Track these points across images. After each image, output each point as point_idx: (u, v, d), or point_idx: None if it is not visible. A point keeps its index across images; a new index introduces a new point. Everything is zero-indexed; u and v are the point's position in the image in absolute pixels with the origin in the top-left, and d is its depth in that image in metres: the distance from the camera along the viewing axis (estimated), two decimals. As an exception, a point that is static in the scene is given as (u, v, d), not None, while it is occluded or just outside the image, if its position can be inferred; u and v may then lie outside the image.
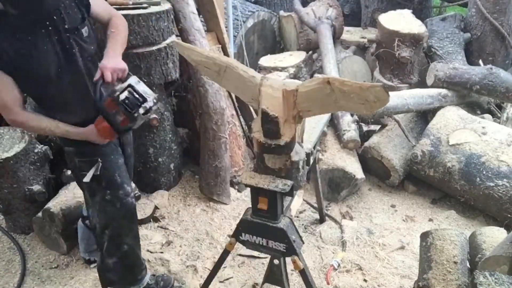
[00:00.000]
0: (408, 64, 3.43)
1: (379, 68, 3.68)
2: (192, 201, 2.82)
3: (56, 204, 2.32)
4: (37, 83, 1.62)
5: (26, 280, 2.27)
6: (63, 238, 2.35)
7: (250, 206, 1.68)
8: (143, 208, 2.63)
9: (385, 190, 3.06)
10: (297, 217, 2.77)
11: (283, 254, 1.69)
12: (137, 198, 2.62)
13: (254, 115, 3.11)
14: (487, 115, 3.26)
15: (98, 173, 1.80)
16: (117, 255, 1.95)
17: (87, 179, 1.79)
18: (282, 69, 3.62)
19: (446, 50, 3.50)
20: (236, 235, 1.73)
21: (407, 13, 3.51)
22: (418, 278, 1.81)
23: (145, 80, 2.46)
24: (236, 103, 3.06)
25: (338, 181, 2.85)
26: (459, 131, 2.83)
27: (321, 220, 2.71)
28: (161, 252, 2.41)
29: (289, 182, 1.56)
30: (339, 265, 2.35)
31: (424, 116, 3.26)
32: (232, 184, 2.92)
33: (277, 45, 4.49)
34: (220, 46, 2.96)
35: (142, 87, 1.69)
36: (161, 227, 2.60)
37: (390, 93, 1.31)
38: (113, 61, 1.68)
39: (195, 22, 2.66)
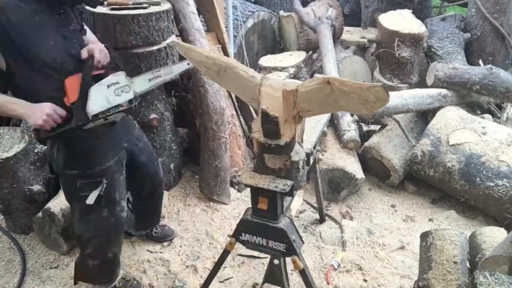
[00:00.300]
0: (408, 64, 3.43)
1: (379, 68, 3.68)
2: (192, 201, 2.82)
3: (56, 204, 2.32)
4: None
5: (26, 280, 2.27)
6: (63, 238, 2.35)
7: (250, 206, 1.68)
8: (143, 208, 2.63)
9: (385, 190, 3.06)
10: (297, 217, 2.77)
11: (283, 254, 1.69)
12: (137, 198, 2.62)
13: (254, 115, 3.11)
14: (487, 115, 3.26)
15: (102, 193, 1.79)
16: (100, 259, 1.97)
17: (90, 201, 1.76)
18: (282, 69, 3.62)
19: (446, 50, 3.50)
20: (236, 235, 1.73)
21: (407, 13, 3.51)
22: (418, 278, 1.81)
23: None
24: (236, 103, 3.06)
25: (338, 181, 2.85)
26: (459, 131, 2.83)
27: (321, 220, 2.71)
28: (161, 252, 2.42)
29: (289, 182, 1.56)
30: (339, 265, 2.35)
31: (424, 116, 3.26)
32: (232, 184, 2.92)
33: (277, 45, 4.49)
34: (220, 46, 2.96)
35: (116, 100, 1.71)
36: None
37: (390, 93, 1.31)
38: (99, 45, 1.77)
39: (195, 22, 2.66)
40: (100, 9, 2.38)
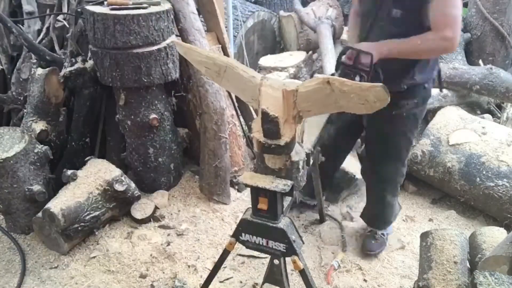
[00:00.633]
0: (408, 64, 3.42)
1: (379, 68, 3.67)
2: (192, 201, 2.82)
3: (56, 204, 2.32)
4: None
5: (26, 280, 2.27)
6: (63, 238, 2.35)
7: (250, 206, 1.68)
8: (143, 208, 2.63)
9: (385, 190, 3.06)
10: (298, 217, 2.77)
11: (283, 254, 1.69)
12: (137, 198, 2.63)
13: (254, 115, 3.11)
14: (487, 115, 3.26)
15: None
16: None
17: None
18: (282, 69, 3.62)
19: (446, 50, 3.49)
20: (236, 235, 1.73)
21: (407, 13, 3.50)
22: (418, 278, 1.81)
23: (145, 80, 2.48)
24: (236, 103, 3.06)
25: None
26: (459, 131, 2.83)
27: (321, 220, 2.71)
28: (161, 252, 2.41)
29: (289, 182, 1.56)
30: (339, 265, 2.35)
31: (424, 116, 3.25)
32: (232, 184, 2.91)
33: (277, 45, 4.49)
34: (220, 46, 2.96)
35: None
36: (161, 227, 2.60)
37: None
38: (365, 45, 1.84)
39: (195, 22, 2.66)
40: (100, 9, 2.38)
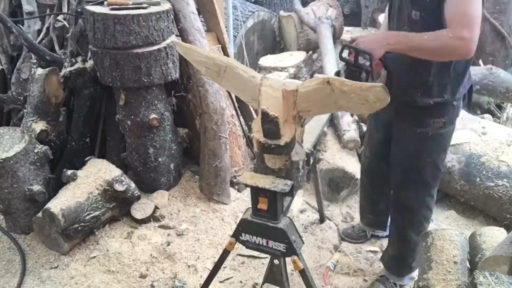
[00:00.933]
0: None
1: (379, 68, 3.67)
2: (192, 201, 2.82)
3: (56, 204, 2.32)
4: None
5: (26, 280, 2.27)
6: (63, 238, 2.35)
7: (250, 206, 1.68)
8: (143, 208, 2.63)
9: (385, 190, 3.06)
10: (297, 217, 2.77)
11: (283, 254, 1.69)
12: (137, 198, 2.62)
13: (254, 115, 3.11)
14: (487, 115, 3.26)
15: None
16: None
17: None
18: (282, 69, 3.62)
19: (446, 50, 3.49)
20: (236, 235, 1.73)
21: (407, 13, 3.50)
22: (418, 278, 1.81)
23: (145, 80, 2.48)
24: (236, 103, 3.06)
25: (338, 181, 2.85)
26: (459, 131, 2.83)
27: (321, 220, 2.71)
28: (161, 252, 2.41)
29: (289, 182, 1.56)
30: (334, 266, 2.35)
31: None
32: (232, 184, 2.92)
33: (277, 45, 4.49)
34: (220, 46, 2.96)
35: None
36: (161, 227, 2.60)
37: (390, 93, 1.31)
38: (368, 39, 1.69)
39: (195, 22, 2.66)
40: (100, 9, 2.38)
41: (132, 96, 2.55)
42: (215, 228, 2.61)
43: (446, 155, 1.96)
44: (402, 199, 2.00)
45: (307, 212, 2.82)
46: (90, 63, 2.64)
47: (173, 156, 2.84)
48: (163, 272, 2.29)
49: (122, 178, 2.51)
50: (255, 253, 2.34)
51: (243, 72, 1.58)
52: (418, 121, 1.82)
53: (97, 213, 2.43)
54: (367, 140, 2.21)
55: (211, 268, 1.93)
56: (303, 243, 1.74)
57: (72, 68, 2.62)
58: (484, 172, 2.64)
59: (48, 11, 2.99)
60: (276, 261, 1.81)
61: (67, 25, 2.83)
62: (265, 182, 1.56)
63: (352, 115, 3.02)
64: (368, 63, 1.67)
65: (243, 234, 1.71)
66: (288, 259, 1.72)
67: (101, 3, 2.51)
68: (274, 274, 1.86)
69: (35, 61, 2.85)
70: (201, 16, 2.91)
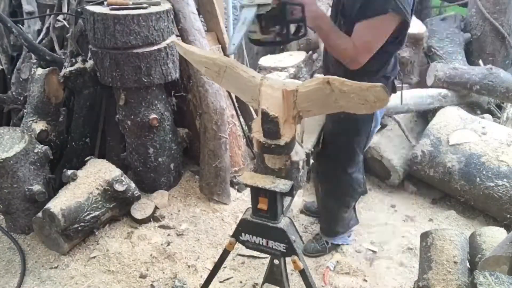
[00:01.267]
0: (408, 64, 3.43)
1: (379, 68, 3.67)
2: (192, 201, 2.82)
3: (56, 204, 2.32)
4: None
5: (26, 280, 2.27)
6: (63, 238, 2.35)
7: (250, 206, 1.68)
8: (143, 208, 2.63)
9: (385, 190, 3.06)
10: (298, 217, 2.77)
11: (283, 254, 1.69)
12: (137, 198, 2.62)
13: (254, 115, 3.11)
14: (487, 115, 3.26)
15: None
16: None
17: None
18: (282, 69, 3.61)
19: (446, 50, 3.49)
20: (236, 235, 1.73)
21: (407, 13, 3.50)
22: (418, 278, 1.81)
23: (145, 80, 2.48)
24: (236, 103, 3.06)
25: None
26: (459, 131, 2.83)
27: (321, 220, 2.71)
28: (161, 252, 2.41)
29: (289, 182, 1.56)
30: (334, 267, 2.35)
31: (424, 116, 3.25)
32: (232, 184, 2.92)
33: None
34: (220, 46, 2.96)
35: None
36: (161, 227, 2.60)
37: (390, 93, 1.31)
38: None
39: (195, 22, 2.66)
40: (100, 9, 2.38)
41: (132, 96, 2.55)
42: (215, 228, 2.61)
43: (363, 139, 2.11)
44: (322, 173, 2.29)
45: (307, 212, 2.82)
46: (90, 63, 2.64)
47: (173, 156, 2.84)
48: (163, 272, 2.29)
49: (122, 178, 2.51)
50: (255, 253, 2.34)
51: (243, 72, 1.58)
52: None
53: (97, 213, 2.43)
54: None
55: (211, 268, 1.92)
56: (303, 243, 1.74)
57: (72, 68, 2.62)
58: (484, 172, 2.64)
59: (48, 11, 2.99)
60: (276, 261, 1.81)
61: (67, 25, 2.83)
62: (265, 182, 1.56)
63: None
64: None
65: (243, 234, 1.71)
66: (288, 259, 1.73)
67: (101, 3, 2.51)
68: (274, 274, 1.86)
69: (35, 61, 2.86)
70: (201, 16, 2.91)
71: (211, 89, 2.66)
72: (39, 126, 2.60)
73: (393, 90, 2.12)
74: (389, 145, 3.01)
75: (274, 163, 1.59)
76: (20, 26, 2.94)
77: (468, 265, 1.75)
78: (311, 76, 3.76)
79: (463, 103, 3.25)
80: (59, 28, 2.90)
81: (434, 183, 2.93)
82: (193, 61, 1.70)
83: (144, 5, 2.44)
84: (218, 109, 2.67)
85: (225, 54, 2.95)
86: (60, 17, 2.88)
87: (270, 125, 1.47)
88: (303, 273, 1.72)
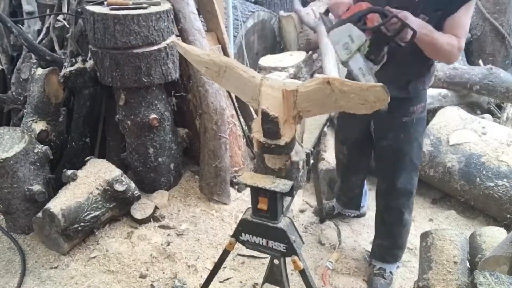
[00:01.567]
0: (408, 64, 3.42)
1: (379, 68, 3.67)
2: (192, 201, 2.82)
3: (56, 204, 2.33)
4: None
5: (26, 280, 2.27)
6: (63, 238, 2.35)
7: (250, 206, 1.68)
8: (143, 208, 2.63)
9: (385, 190, 3.06)
10: (298, 217, 2.77)
11: (283, 254, 1.69)
12: (137, 198, 2.62)
13: (254, 115, 3.11)
14: (487, 115, 3.26)
15: None
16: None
17: None
18: (282, 69, 3.62)
19: (446, 50, 3.49)
20: (236, 235, 1.73)
21: (407, 13, 3.50)
22: (418, 278, 1.81)
23: (145, 80, 2.48)
24: (236, 103, 3.06)
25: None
26: (459, 131, 2.83)
27: (321, 220, 2.71)
28: (161, 252, 2.41)
29: (289, 182, 1.55)
30: (333, 266, 2.35)
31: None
32: (232, 184, 2.92)
33: (277, 45, 4.49)
34: (220, 46, 2.96)
35: None
36: (161, 227, 2.60)
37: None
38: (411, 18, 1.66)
39: (195, 22, 2.66)
40: (100, 9, 2.38)
41: (132, 96, 2.55)
42: (215, 228, 2.61)
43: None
44: (397, 186, 2.09)
45: (307, 212, 2.82)
46: (90, 63, 2.64)
47: (173, 156, 2.84)
48: (163, 272, 2.29)
49: (122, 178, 2.51)
50: (255, 253, 2.34)
51: (243, 72, 1.57)
52: (402, 111, 1.97)
53: (97, 213, 2.44)
54: (343, 139, 2.35)
55: (211, 268, 1.92)
56: (303, 243, 1.74)
57: (72, 68, 2.62)
58: (484, 172, 2.64)
59: (48, 11, 2.99)
60: (276, 261, 1.81)
61: (67, 25, 2.83)
62: (265, 182, 1.56)
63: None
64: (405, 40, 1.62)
65: (243, 234, 1.71)
66: (288, 259, 1.72)
67: (101, 3, 2.51)
68: (274, 274, 1.85)
69: (35, 61, 2.86)
70: (201, 16, 2.91)
71: (211, 89, 2.66)
72: (39, 126, 2.60)
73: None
74: (389, 145, 3.01)
75: (274, 163, 1.59)
76: (20, 26, 2.94)
77: (468, 265, 1.75)
78: (311, 76, 3.76)
79: (463, 103, 3.25)
80: (59, 28, 2.90)
81: (434, 183, 2.93)
82: (193, 61, 1.70)
83: (144, 5, 2.44)
84: (218, 109, 2.67)
85: (225, 54, 2.96)
86: (60, 17, 2.88)
87: (270, 125, 1.47)
88: (303, 273, 1.72)
